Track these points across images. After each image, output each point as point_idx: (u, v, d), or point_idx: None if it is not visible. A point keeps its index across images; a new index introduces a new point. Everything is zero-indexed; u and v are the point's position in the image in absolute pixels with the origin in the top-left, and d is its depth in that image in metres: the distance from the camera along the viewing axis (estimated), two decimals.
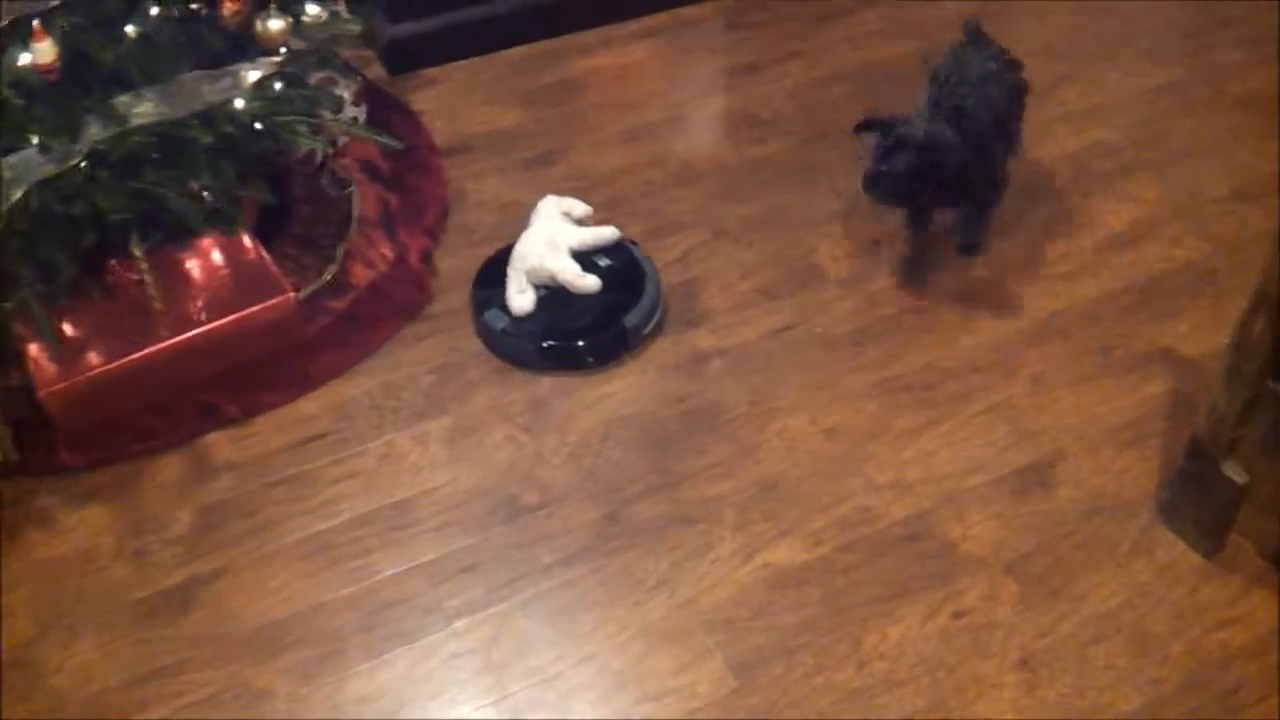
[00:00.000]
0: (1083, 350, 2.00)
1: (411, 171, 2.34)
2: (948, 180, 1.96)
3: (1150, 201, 2.32)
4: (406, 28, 2.63)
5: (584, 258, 1.99)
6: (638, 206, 2.28)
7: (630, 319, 1.96)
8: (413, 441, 1.85)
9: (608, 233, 2.03)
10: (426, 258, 2.16)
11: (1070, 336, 2.03)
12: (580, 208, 2.06)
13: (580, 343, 1.94)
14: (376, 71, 2.65)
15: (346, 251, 2.14)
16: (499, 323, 1.97)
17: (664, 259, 2.17)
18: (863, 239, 2.23)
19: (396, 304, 2.08)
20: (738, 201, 2.32)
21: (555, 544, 1.71)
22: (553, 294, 1.98)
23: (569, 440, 1.85)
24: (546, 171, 2.40)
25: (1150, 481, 1.79)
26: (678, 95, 2.64)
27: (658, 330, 2.03)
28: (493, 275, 2.04)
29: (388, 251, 2.15)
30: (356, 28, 1.92)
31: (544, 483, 1.79)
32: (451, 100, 2.60)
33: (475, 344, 2.01)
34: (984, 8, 2.90)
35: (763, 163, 2.43)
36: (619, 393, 1.93)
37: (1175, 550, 1.71)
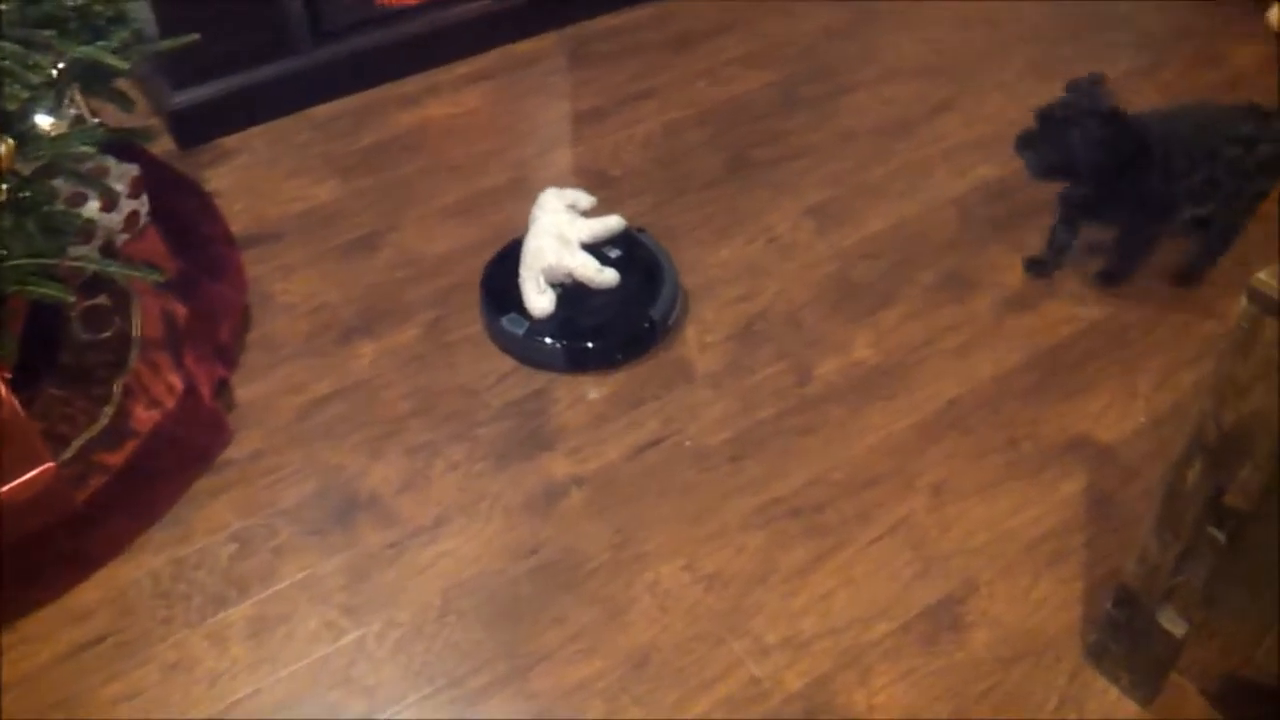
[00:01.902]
0: (986, 446, 1.76)
1: (204, 273, 1.98)
2: (1121, 176, 1.84)
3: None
4: (194, 93, 2.26)
5: (593, 249, 1.92)
6: (476, 296, 1.98)
7: (656, 311, 1.89)
8: (208, 641, 1.52)
9: (614, 222, 1.96)
10: (221, 388, 1.82)
11: (971, 430, 1.78)
12: (585, 199, 1.98)
13: (611, 342, 1.86)
14: (166, 144, 2.28)
15: (125, 387, 1.79)
16: (519, 328, 1.86)
17: (509, 363, 1.88)
18: (734, 320, 1.96)
19: (186, 452, 1.74)
20: None
21: None
22: (567, 291, 1.90)
23: (399, 621, 1.54)
24: (369, 259, 2.07)
25: (1074, 612, 1.56)
26: (518, 152, 2.32)
27: (679, 321, 1.94)
28: (497, 276, 1.95)
29: (175, 382, 1.80)
30: (97, 138, 1.55)
31: (368, 685, 1.48)
32: (253, 175, 2.24)
33: (284, 497, 1.68)
34: (848, 20, 2.66)
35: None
36: (458, 549, 1.63)
37: (1108, 699, 1.48)
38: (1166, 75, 2.52)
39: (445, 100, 2.45)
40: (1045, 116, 1.85)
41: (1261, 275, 1.09)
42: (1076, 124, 1.81)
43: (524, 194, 2.20)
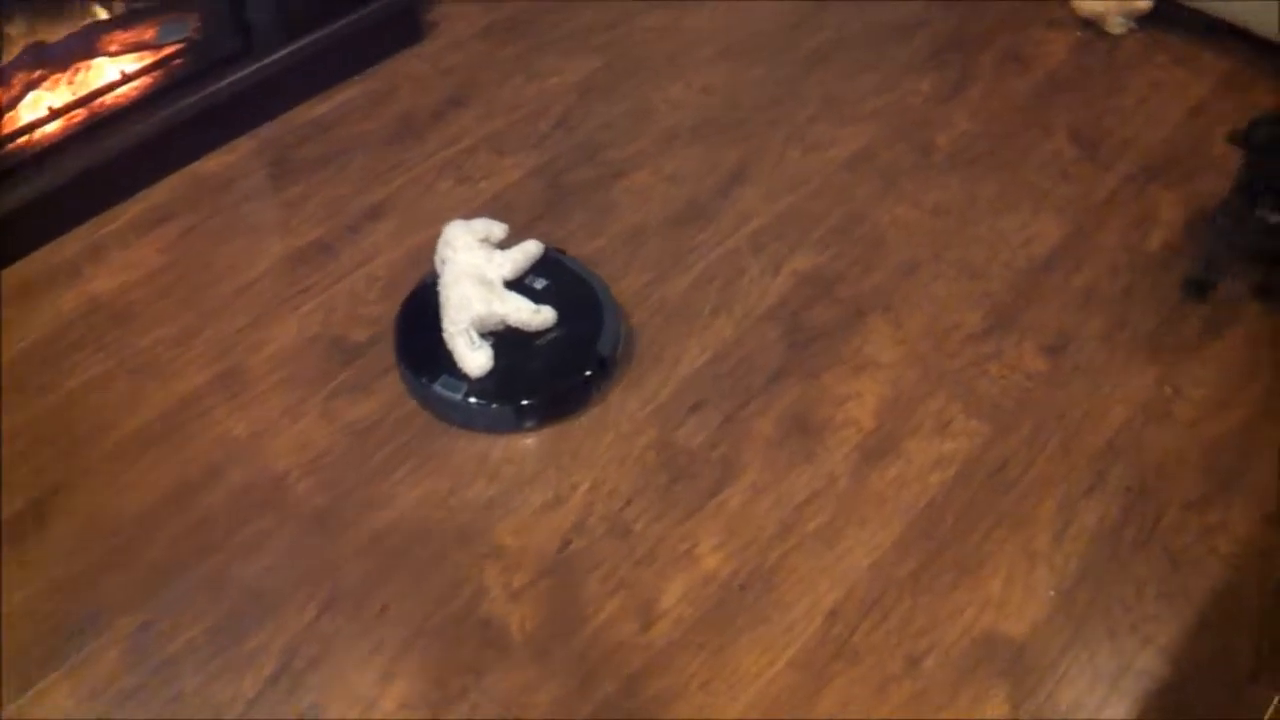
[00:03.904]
0: (885, 673, 1.41)
1: None
2: None
3: (893, 364, 1.75)
4: None
5: (517, 284, 1.73)
6: (198, 573, 1.48)
7: (603, 346, 1.70)
8: None
9: (533, 248, 1.77)
10: None
11: (862, 656, 1.43)
12: (497, 228, 1.78)
13: (562, 388, 1.67)
14: None
15: None
16: (458, 392, 1.64)
17: (256, 660, 1.41)
18: (545, 543, 1.54)
19: None
20: (349, 528, 1.56)
21: None
22: (500, 338, 1.69)
23: None
24: (38, 544, 1.53)
25: None
26: (222, 329, 1.80)
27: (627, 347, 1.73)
28: (414, 333, 1.72)
29: None
30: None
31: None
32: None
33: None
34: (603, 73, 2.20)
35: (370, 431, 1.67)
36: None
37: None
38: (975, 93, 2.20)
39: (116, 264, 1.88)
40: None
41: None
42: None
43: (241, 390, 1.70)
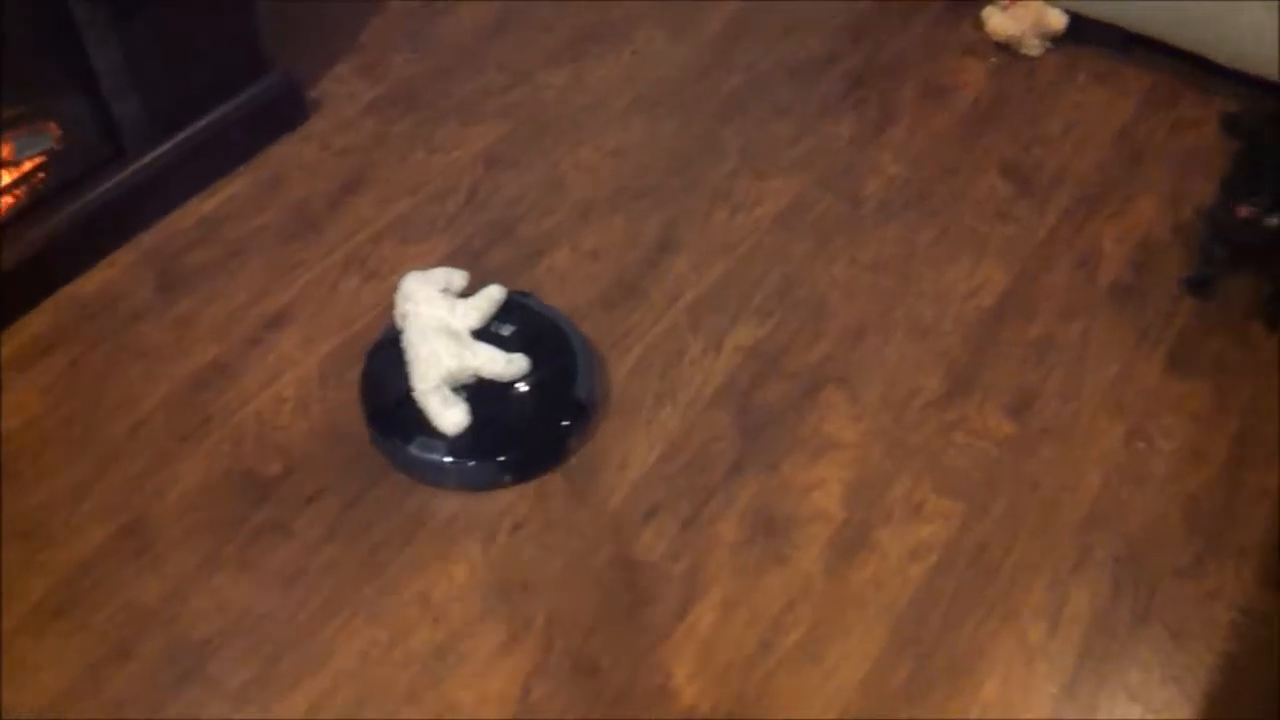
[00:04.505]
0: None
1: None
2: None
3: (855, 443, 1.64)
4: None
5: (483, 332, 1.66)
6: None
7: (580, 390, 1.64)
8: None
9: (496, 293, 1.69)
10: None
11: None
12: (457, 277, 1.69)
13: (547, 439, 1.62)
14: None
15: None
16: (435, 453, 1.58)
17: None
18: (508, 682, 1.40)
19: None
20: (283, 697, 1.40)
21: None
22: (473, 390, 1.63)
23: None
24: None
25: None
26: (118, 474, 1.61)
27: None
28: (380, 396, 1.64)
29: None
30: None
31: None
32: None
33: None
34: (508, 140, 2.05)
35: (295, 579, 1.51)
36: None
37: None
38: (898, 133, 2.11)
39: None
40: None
41: None
42: None
43: (147, 545, 1.53)
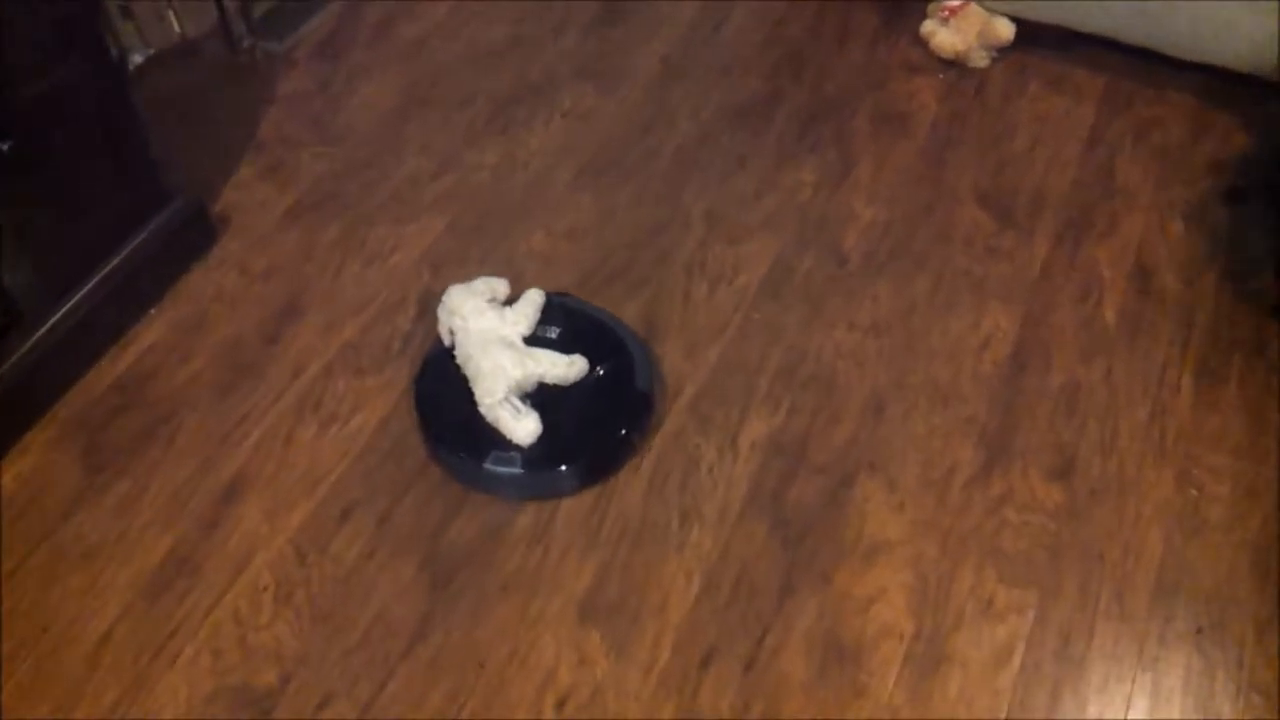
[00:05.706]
0: None
1: None
2: None
3: (904, 539, 1.51)
4: None
5: (530, 338, 1.66)
6: None
7: (639, 382, 1.63)
8: None
9: (537, 297, 1.69)
10: None
11: None
12: (500, 285, 1.71)
13: (618, 435, 1.60)
14: None
15: None
16: (511, 466, 1.56)
17: None
18: None
19: None
20: None
21: None
22: (533, 396, 1.62)
23: None
24: None
25: None
26: (86, 713, 1.38)
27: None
28: (445, 418, 1.61)
29: None
30: None
31: None
32: None
33: None
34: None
35: None
36: None
37: None
38: (863, 173, 1.98)
39: None
40: None
41: None
42: None
43: None
